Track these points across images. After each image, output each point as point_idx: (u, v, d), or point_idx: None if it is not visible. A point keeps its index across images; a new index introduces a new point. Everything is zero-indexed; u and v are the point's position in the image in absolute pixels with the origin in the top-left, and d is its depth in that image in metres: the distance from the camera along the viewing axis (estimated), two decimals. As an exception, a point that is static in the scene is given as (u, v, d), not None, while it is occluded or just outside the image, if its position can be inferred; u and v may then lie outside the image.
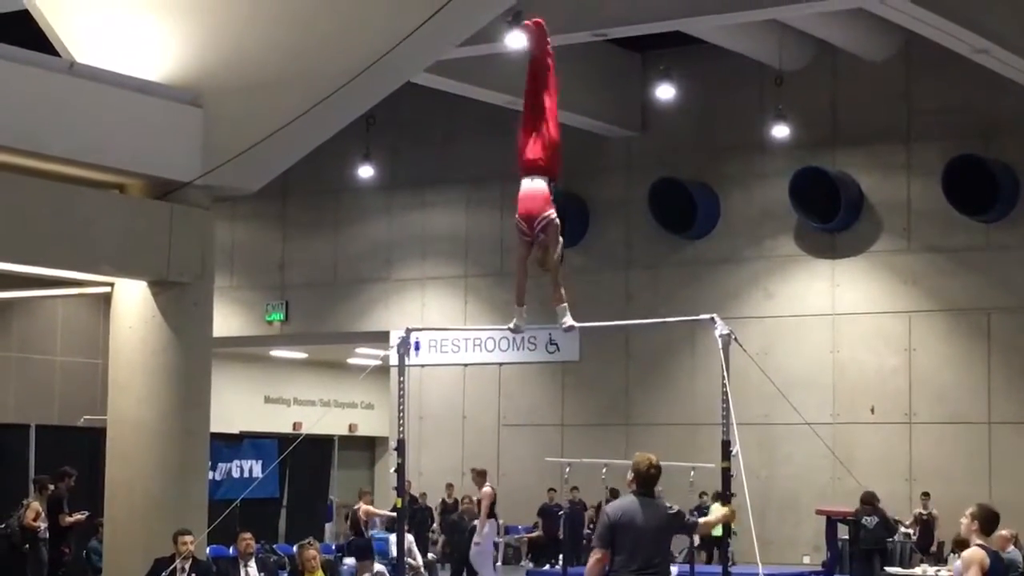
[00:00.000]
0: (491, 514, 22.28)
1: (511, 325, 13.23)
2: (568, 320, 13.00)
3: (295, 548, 19.11)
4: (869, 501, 22.70)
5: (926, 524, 25.48)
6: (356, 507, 23.92)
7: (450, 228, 31.88)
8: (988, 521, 9.79)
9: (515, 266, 12.83)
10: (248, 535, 16.31)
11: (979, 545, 9.66)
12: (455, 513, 25.78)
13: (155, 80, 16.41)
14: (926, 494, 25.67)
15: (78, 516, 21.56)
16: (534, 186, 12.32)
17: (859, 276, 27.84)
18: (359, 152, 31.01)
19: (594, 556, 10.52)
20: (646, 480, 10.73)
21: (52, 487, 21.49)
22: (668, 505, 10.85)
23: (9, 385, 29.46)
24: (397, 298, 32.23)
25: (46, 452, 22.69)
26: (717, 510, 13.48)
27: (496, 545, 24.13)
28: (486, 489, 22.41)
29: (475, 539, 21.89)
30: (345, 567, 22.62)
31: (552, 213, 12.21)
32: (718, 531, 13.15)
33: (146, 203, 16.33)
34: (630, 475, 10.83)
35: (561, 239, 12.57)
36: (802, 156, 27.79)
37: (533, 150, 12.52)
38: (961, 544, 10.06)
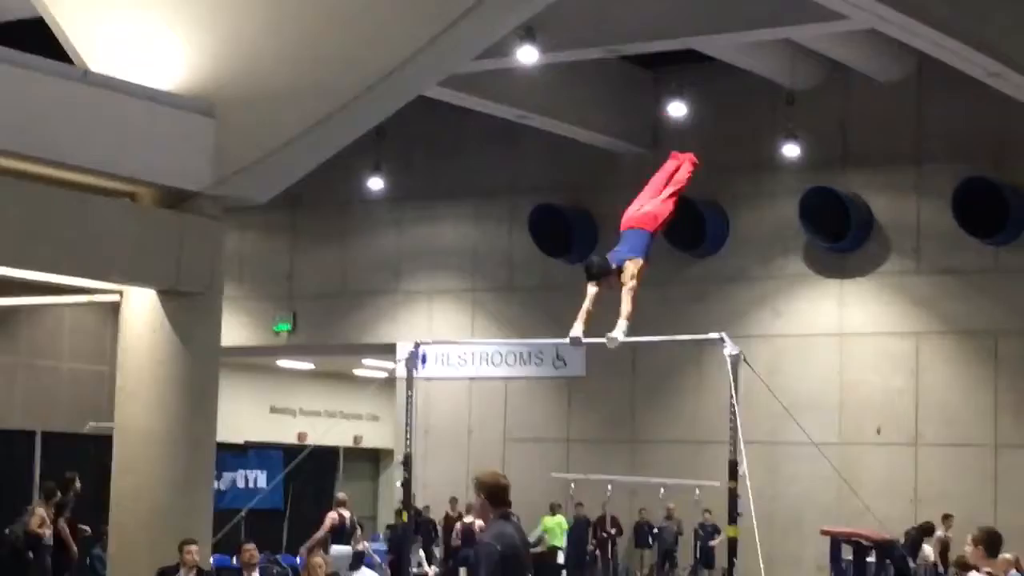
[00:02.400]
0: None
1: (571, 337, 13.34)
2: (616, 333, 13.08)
3: (302, 550, 19.08)
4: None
5: (944, 547, 25.17)
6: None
7: (459, 241, 31.89)
8: (992, 544, 9.72)
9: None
10: (251, 546, 16.29)
11: (988, 573, 9.56)
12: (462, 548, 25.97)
13: (168, 90, 16.44)
14: (948, 516, 25.26)
15: (82, 530, 21.55)
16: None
17: (867, 297, 27.82)
18: (369, 164, 31.05)
19: None
20: (505, 497, 9.27)
21: (59, 494, 21.49)
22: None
23: (16, 391, 29.49)
24: (405, 311, 32.23)
25: (52, 458, 22.71)
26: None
27: None
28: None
29: None
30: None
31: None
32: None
33: (157, 212, 16.35)
34: (480, 495, 9.28)
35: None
36: (812, 176, 27.78)
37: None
38: (964, 567, 9.98)
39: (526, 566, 9.23)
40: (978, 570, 9.62)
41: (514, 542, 9.12)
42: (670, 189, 13.57)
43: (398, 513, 23.60)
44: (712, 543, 26.72)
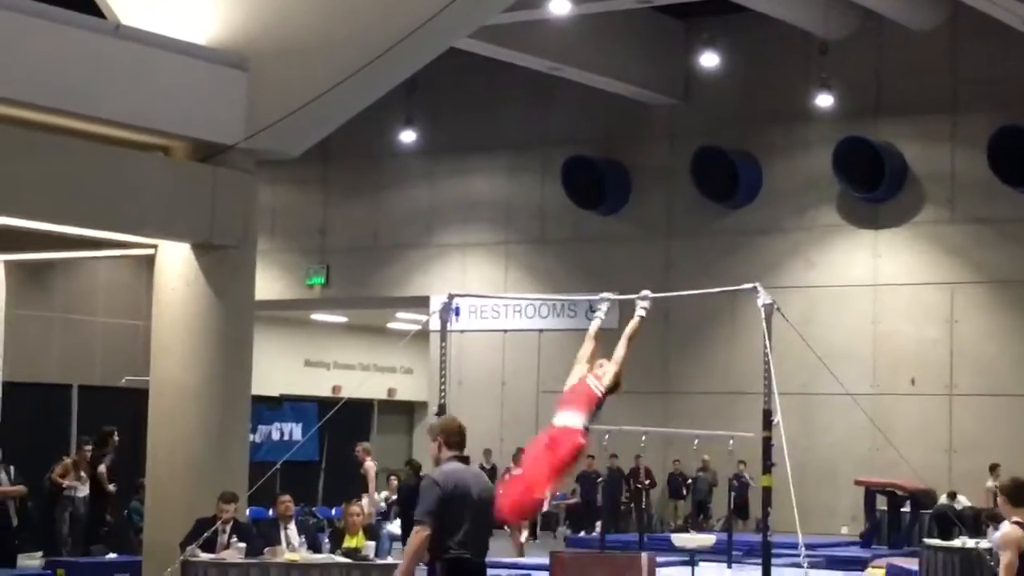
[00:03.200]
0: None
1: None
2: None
3: (343, 505, 19.12)
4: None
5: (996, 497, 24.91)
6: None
7: (491, 194, 31.88)
8: (1016, 493, 9.66)
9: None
10: (287, 498, 16.35)
11: (1016, 522, 9.49)
12: None
13: (200, 43, 16.44)
14: (995, 465, 24.86)
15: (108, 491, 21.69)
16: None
17: (901, 247, 27.73)
18: (401, 117, 31.03)
19: (421, 532, 8.98)
20: (460, 441, 9.33)
21: (91, 445, 21.60)
22: (486, 477, 9.65)
23: (52, 346, 29.57)
24: (438, 264, 32.27)
25: (88, 412, 22.88)
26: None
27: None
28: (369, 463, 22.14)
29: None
30: (385, 531, 22.68)
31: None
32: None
33: (190, 166, 16.38)
34: (437, 440, 9.31)
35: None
36: (846, 126, 27.65)
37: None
38: (994, 517, 9.92)
39: (476, 509, 9.11)
40: (1007, 520, 9.58)
41: (461, 482, 9.08)
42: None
43: (408, 464, 23.68)
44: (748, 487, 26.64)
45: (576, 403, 12.12)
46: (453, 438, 9.30)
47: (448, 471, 9.14)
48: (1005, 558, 9.35)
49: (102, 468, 21.48)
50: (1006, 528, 9.51)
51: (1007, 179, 26.29)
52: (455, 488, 9.03)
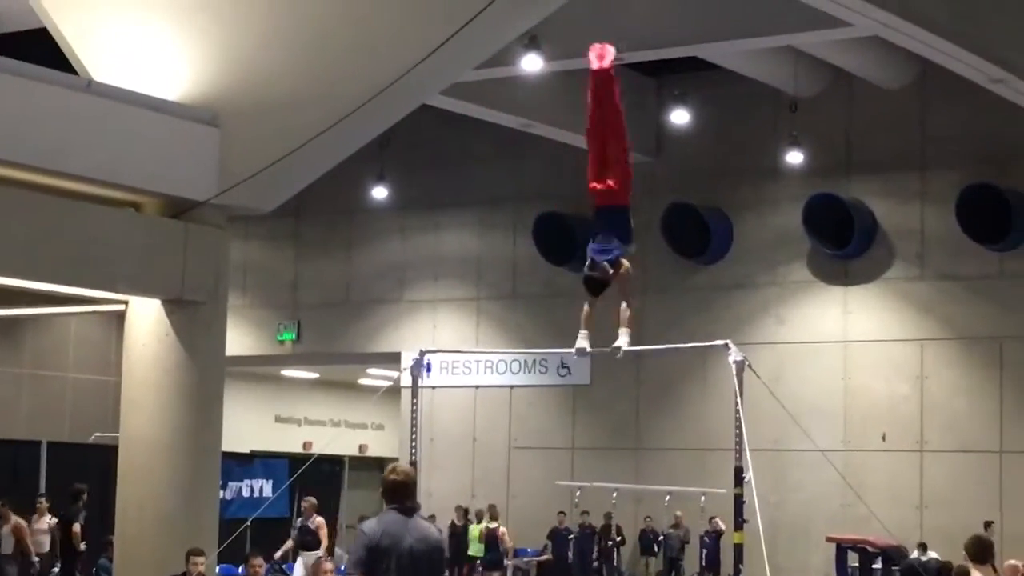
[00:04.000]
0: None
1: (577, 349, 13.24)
2: (620, 342, 13.04)
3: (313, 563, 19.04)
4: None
5: None
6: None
7: (463, 250, 31.92)
8: (977, 551, 9.72)
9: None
10: (258, 560, 16.29)
11: None
12: None
13: (172, 99, 16.45)
14: (989, 523, 24.83)
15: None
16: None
17: (872, 303, 27.82)
18: (373, 173, 31.08)
19: None
20: (393, 490, 9.09)
21: (44, 503, 21.42)
22: (436, 531, 9.30)
23: (21, 401, 29.50)
24: (409, 319, 32.26)
25: (57, 469, 22.75)
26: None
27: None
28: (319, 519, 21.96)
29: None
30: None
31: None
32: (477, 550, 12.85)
33: (161, 222, 16.35)
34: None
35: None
36: (816, 182, 27.78)
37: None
38: (964, 574, 9.96)
39: (407, 561, 8.85)
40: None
41: (393, 532, 8.88)
42: (615, 134, 13.40)
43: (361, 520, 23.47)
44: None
45: None
46: (387, 489, 9.10)
47: (379, 521, 9.00)
48: None
49: (76, 528, 21.33)
50: None
51: (975, 236, 26.43)
52: (381, 538, 8.84)
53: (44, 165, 15.04)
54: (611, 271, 12.82)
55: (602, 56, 13.12)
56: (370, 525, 9.00)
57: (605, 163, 12.84)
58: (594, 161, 13.28)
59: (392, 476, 9.13)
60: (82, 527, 21.42)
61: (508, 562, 28.55)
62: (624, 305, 12.86)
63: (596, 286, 12.97)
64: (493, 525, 27.51)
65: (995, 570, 10.17)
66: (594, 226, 12.92)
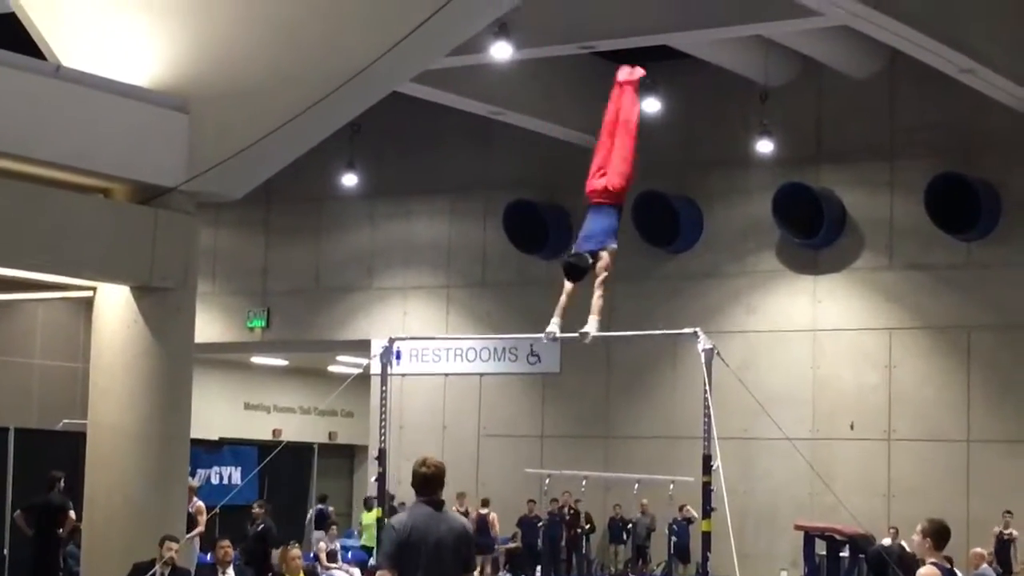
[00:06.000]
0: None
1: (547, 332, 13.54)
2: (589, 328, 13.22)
3: (280, 550, 18.99)
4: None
5: (1004, 545, 24.75)
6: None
7: (433, 238, 31.90)
8: (939, 536, 9.75)
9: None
10: (226, 543, 16.28)
11: (932, 563, 9.60)
12: None
13: (142, 85, 16.41)
14: (1008, 512, 25.00)
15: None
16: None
17: (840, 292, 27.90)
18: (343, 160, 31.03)
19: None
20: (423, 483, 9.21)
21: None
22: (464, 522, 9.39)
23: (-12, 388, 29.40)
24: (379, 307, 32.23)
25: (25, 455, 22.64)
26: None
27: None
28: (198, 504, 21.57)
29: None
30: (323, 573, 22.62)
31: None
32: None
33: (130, 208, 16.32)
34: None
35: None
36: (786, 172, 27.84)
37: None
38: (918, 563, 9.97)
39: (435, 555, 8.93)
40: (924, 562, 9.67)
41: (421, 525, 8.95)
42: (624, 141, 13.62)
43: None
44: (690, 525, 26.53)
45: None
46: (418, 481, 9.20)
47: (409, 515, 9.09)
48: None
49: (71, 514, 21.19)
50: (924, 570, 9.58)
51: (944, 226, 26.53)
52: (411, 533, 8.92)
53: (12, 151, 15.00)
54: (591, 260, 13.10)
55: (633, 73, 14.54)
56: (400, 519, 9.11)
57: (609, 163, 13.45)
58: (598, 161, 13.74)
59: (423, 469, 9.18)
60: (71, 513, 21.30)
61: (498, 547, 28.55)
62: (597, 294, 12.99)
63: (575, 273, 13.18)
64: (484, 511, 27.66)
65: (950, 560, 10.19)
66: (585, 220, 13.45)
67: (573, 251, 13.24)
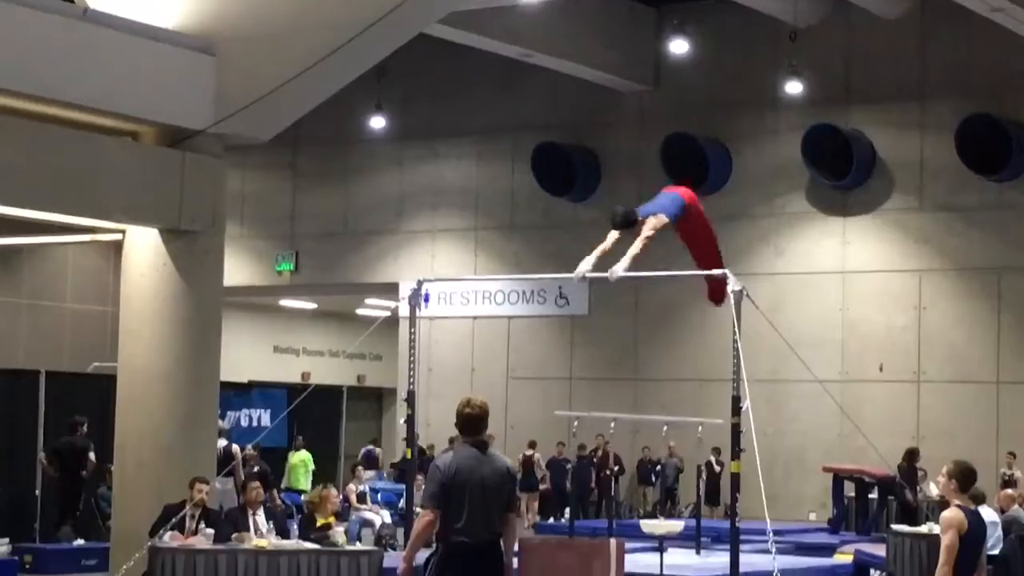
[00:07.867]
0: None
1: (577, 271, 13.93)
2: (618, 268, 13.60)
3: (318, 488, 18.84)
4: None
5: (1007, 486, 24.85)
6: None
7: (461, 180, 31.86)
8: (965, 479, 9.72)
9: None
10: (256, 484, 16.33)
11: (957, 505, 9.57)
12: None
13: (169, 28, 16.39)
14: (1011, 454, 25.18)
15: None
16: None
17: (870, 234, 27.80)
18: (371, 103, 30.97)
19: (424, 517, 9.12)
20: (467, 424, 9.33)
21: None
22: (506, 461, 9.43)
23: (19, 332, 29.49)
24: (407, 250, 32.24)
25: (56, 398, 22.75)
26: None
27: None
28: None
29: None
30: (353, 517, 22.73)
31: None
32: None
33: (159, 151, 16.33)
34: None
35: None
36: (815, 113, 27.69)
37: None
38: (944, 504, 9.95)
39: (479, 495, 9.07)
40: (950, 504, 9.65)
41: (465, 467, 9.08)
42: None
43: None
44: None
45: None
46: (462, 422, 9.34)
47: (450, 459, 9.20)
48: (946, 540, 9.42)
49: (91, 456, 21.34)
50: (948, 512, 9.57)
51: (975, 167, 26.37)
52: (456, 474, 9.06)
53: (40, 93, 15.02)
54: (640, 217, 13.59)
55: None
56: (444, 460, 9.21)
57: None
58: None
59: (467, 410, 9.33)
60: (91, 455, 21.46)
61: (543, 486, 28.75)
62: (637, 244, 13.26)
63: (620, 219, 13.66)
64: (529, 452, 27.96)
65: (981, 500, 10.15)
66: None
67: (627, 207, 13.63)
